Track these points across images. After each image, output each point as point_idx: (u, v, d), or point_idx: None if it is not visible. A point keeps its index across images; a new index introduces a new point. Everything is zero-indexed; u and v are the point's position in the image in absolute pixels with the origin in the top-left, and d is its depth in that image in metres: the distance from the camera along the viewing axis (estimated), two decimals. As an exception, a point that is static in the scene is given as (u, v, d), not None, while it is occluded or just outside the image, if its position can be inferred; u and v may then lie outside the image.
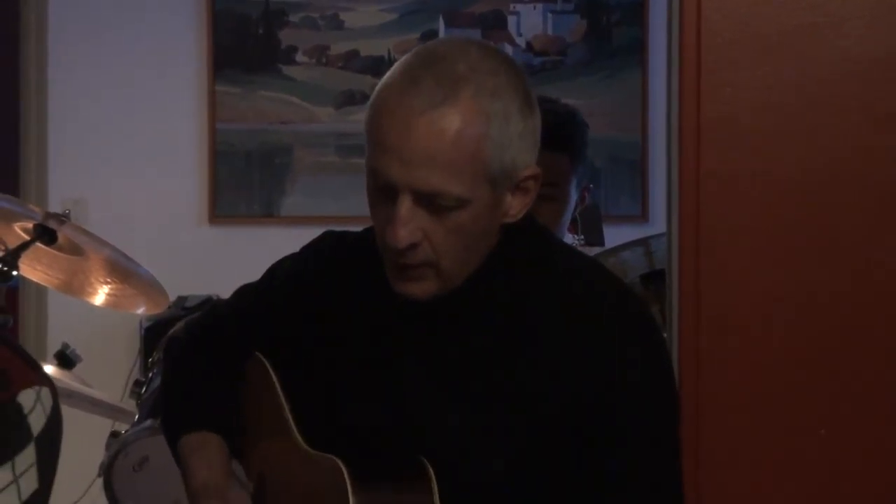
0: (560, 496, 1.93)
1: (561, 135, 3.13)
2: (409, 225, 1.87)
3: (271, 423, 2.11)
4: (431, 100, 1.84)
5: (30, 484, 2.07)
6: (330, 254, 2.13)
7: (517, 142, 1.89)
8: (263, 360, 2.15)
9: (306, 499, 2.03)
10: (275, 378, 2.12)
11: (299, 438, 2.06)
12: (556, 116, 3.00)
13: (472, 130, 1.85)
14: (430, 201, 1.86)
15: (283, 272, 2.18)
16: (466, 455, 1.93)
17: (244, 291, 2.24)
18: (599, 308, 1.97)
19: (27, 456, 2.06)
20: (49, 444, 2.11)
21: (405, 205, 1.86)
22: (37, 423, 2.09)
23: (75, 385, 3.82)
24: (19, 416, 2.06)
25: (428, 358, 1.98)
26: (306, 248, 2.17)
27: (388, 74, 1.91)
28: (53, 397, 2.10)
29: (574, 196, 3.32)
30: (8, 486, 2.04)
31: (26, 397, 2.08)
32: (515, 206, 1.94)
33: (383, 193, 1.90)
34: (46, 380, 2.10)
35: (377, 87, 1.92)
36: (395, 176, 1.86)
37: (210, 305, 2.37)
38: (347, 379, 2.03)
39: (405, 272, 1.92)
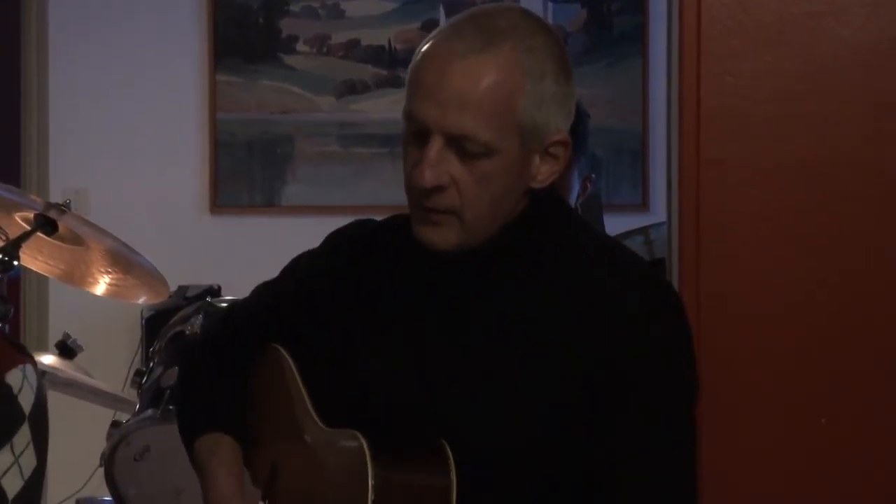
0: (577, 470, 1.93)
1: None
2: (437, 167, 1.90)
3: (287, 413, 2.11)
4: (471, 46, 1.89)
5: (29, 461, 2.08)
6: (353, 240, 2.15)
7: (550, 102, 1.94)
8: (281, 350, 2.14)
9: (322, 476, 2.03)
10: (294, 369, 2.12)
11: (317, 420, 2.06)
12: None
13: (507, 80, 1.90)
14: (459, 146, 1.90)
15: (305, 262, 2.19)
16: (488, 428, 1.93)
17: (262, 289, 2.25)
18: (625, 281, 1.98)
19: (23, 435, 2.07)
20: (40, 419, 2.12)
21: (436, 147, 1.90)
22: (27, 401, 2.10)
23: (76, 375, 3.83)
24: (10, 397, 2.07)
25: (451, 331, 1.99)
26: (331, 236, 2.19)
27: (433, 32, 1.97)
28: (37, 372, 2.11)
29: (576, 186, 3.33)
30: (9, 468, 2.04)
31: (14, 377, 2.09)
32: (544, 172, 1.97)
33: (416, 138, 1.93)
34: (28, 356, 2.11)
35: (421, 44, 1.97)
36: (429, 117, 1.90)
37: (227, 308, 2.37)
38: (367, 352, 2.04)
39: (428, 216, 1.94)
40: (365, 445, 1.92)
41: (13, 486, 2.06)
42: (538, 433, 1.93)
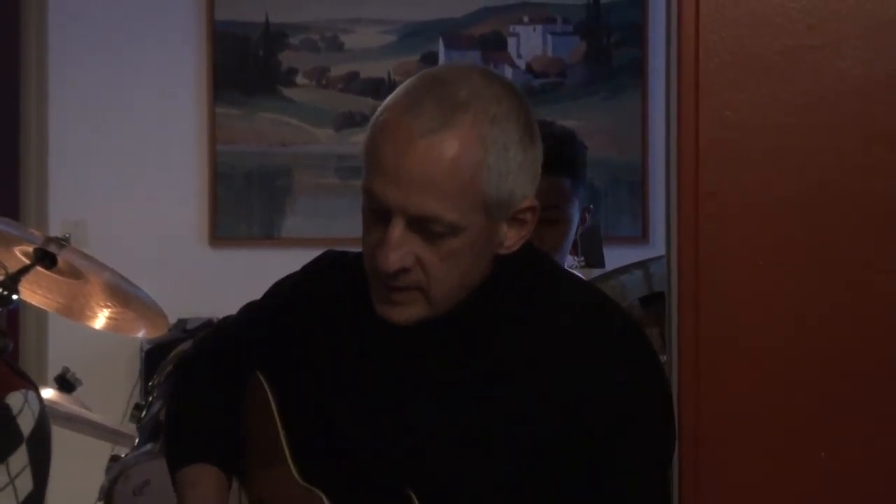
0: None
1: (561, 157, 3.15)
2: (400, 249, 1.86)
3: (268, 448, 2.11)
4: (431, 124, 1.83)
5: (25, 484, 2.08)
6: (328, 274, 2.14)
7: (515, 172, 1.88)
8: (263, 380, 2.15)
9: None
10: (272, 400, 2.12)
11: (291, 466, 2.06)
12: (555, 139, 3.00)
13: (469, 157, 1.84)
14: (423, 227, 1.86)
15: (284, 291, 2.19)
16: (458, 481, 1.93)
17: (249, 309, 2.25)
18: (592, 336, 1.96)
19: (20, 457, 2.08)
20: (40, 445, 2.13)
21: (398, 228, 1.86)
22: (26, 424, 2.11)
23: (75, 409, 3.83)
24: (8, 418, 2.09)
25: (422, 382, 1.98)
26: (306, 268, 2.18)
27: (390, 96, 1.91)
28: (40, 399, 2.12)
29: (576, 217, 3.33)
30: (5, 487, 2.05)
31: (14, 399, 2.11)
32: (511, 238, 1.94)
33: (377, 216, 1.89)
34: (31, 383, 2.12)
35: (379, 108, 1.91)
36: (390, 198, 1.85)
37: (217, 323, 2.37)
38: (342, 401, 2.03)
39: (391, 296, 1.91)
40: None
41: None
42: (507, 490, 1.91)
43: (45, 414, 2.14)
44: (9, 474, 2.07)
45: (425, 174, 1.83)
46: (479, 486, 1.92)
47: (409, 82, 1.91)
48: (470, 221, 1.86)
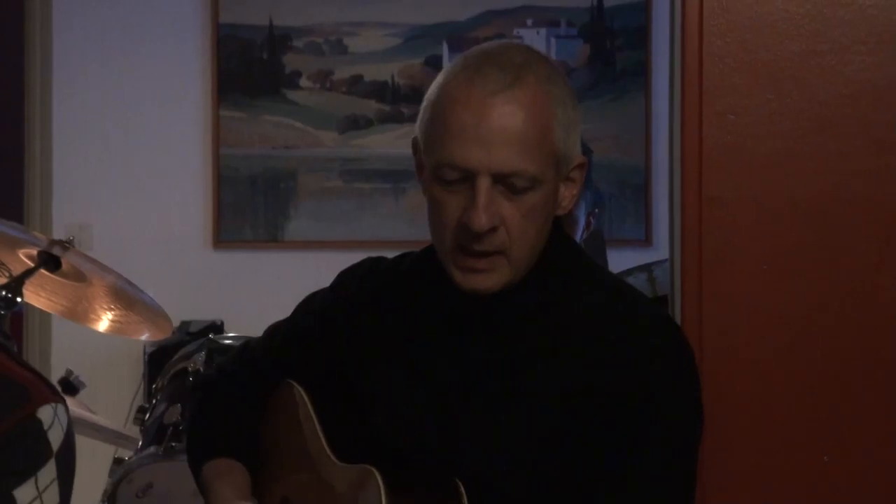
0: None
1: None
2: (489, 208, 1.90)
3: (301, 447, 2.12)
4: (501, 84, 1.90)
5: (52, 499, 2.09)
6: (366, 278, 2.16)
7: (574, 127, 1.97)
8: (296, 386, 2.15)
9: None
10: (309, 403, 2.13)
11: (331, 455, 2.06)
12: None
13: (541, 111, 1.92)
14: (506, 183, 1.90)
15: (318, 301, 2.20)
16: (504, 469, 1.94)
17: (275, 328, 2.26)
18: (635, 320, 2.00)
19: (48, 471, 2.09)
20: (67, 459, 2.14)
21: (484, 188, 1.90)
22: (56, 438, 2.12)
23: (79, 411, 3.83)
24: (40, 432, 2.10)
25: (463, 364, 2.00)
26: (343, 274, 2.20)
27: (442, 76, 1.97)
28: (67, 414, 2.13)
29: (583, 220, 3.35)
30: (33, 501, 2.06)
31: (45, 413, 2.12)
32: (567, 197, 2.00)
33: (452, 185, 1.92)
34: (60, 397, 2.13)
35: (431, 91, 1.97)
36: (474, 158, 1.89)
37: (241, 345, 2.39)
38: (381, 391, 2.05)
39: (476, 264, 1.94)
40: (381, 482, 1.92)
41: None
42: (553, 474, 1.94)
43: (72, 428, 2.15)
44: (37, 488, 2.07)
45: (506, 129, 1.89)
46: (522, 469, 1.94)
47: (456, 62, 1.98)
48: (546, 175, 1.92)
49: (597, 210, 3.51)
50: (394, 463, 1.98)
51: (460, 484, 1.93)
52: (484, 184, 1.90)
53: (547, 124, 1.92)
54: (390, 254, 2.19)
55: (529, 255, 1.96)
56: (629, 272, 3.77)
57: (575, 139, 1.97)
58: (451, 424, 1.99)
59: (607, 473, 1.93)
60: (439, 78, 1.97)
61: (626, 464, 1.93)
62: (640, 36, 5.45)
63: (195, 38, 5.50)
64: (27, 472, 2.06)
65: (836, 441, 2.44)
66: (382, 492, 1.91)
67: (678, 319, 2.46)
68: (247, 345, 2.34)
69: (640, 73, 5.44)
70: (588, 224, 3.41)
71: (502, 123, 1.89)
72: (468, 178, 1.91)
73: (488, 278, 1.95)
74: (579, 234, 3.40)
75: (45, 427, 2.11)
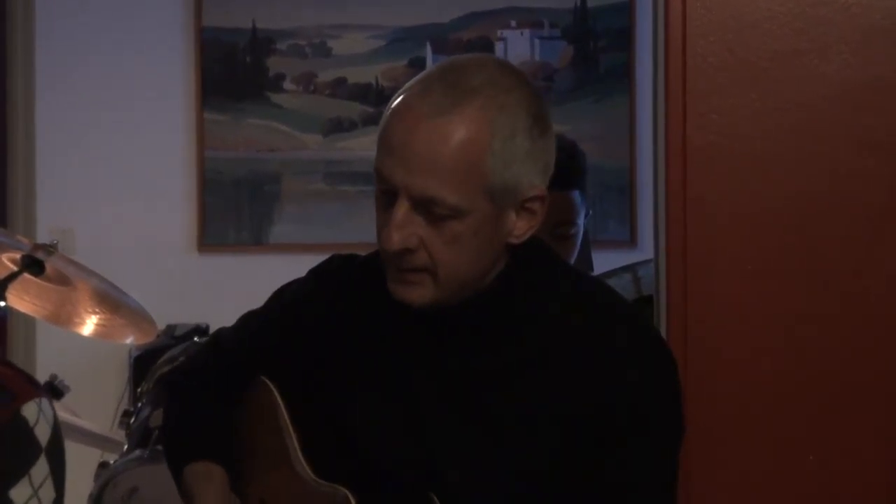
0: None
1: (570, 172, 3.19)
2: (403, 229, 1.88)
3: (275, 450, 2.11)
4: (439, 107, 1.86)
5: (48, 494, 2.10)
6: (337, 276, 2.14)
7: (522, 160, 1.90)
8: (270, 384, 2.14)
9: None
10: (282, 403, 2.12)
11: (305, 466, 2.06)
12: (564, 153, 3.03)
13: (474, 141, 1.86)
14: (426, 208, 1.87)
15: (289, 295, 2.19)
16: (479, 483, 1.93)
17: (248, 318, 2.24)
18: (607, 331, 1.97)
19: (41, 468, 2.09)
20: (57, 453, 2.14)
21: (402, 209, 1.87)
22: (43, 434, 2.12)
23: (64, 416, 3.82)
24: (27, 430, 2.10)
25: (437, 378, 1.98)
26: (313, 272, 2.18)
27: (409, 81, 1.94)
28: (52, 408, 2.13)
29: (582, 227, 3.36)
30: (30, 499, 2.06)
31: (29, 410, 2.12)
32: (520, 227, 1.94)
33: (385, 197, 1.91)
34: (43, 391, 2.13)
35: (397, 93, 1.94)
36: (396, 178, 1.87)
37: (213, 333, 2.37)
38: (355, 400, 2.04)
39: (403, 276, 1.93)
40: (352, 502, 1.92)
41: None
42: (530, 490, 1.92)
43: (58, 421, 2.16)
44: (32, 486, 2.08)
45: (429, 155, 1.85)
46: (497, 484, 1.93)
47: (426, 70, 1.95)
48: (473, 206, 1.87)
49: (590, 212, 3.53)
50: (367, 476, 1.97)
51: (435, 498, 1.92)
52: (402, 204, 1.88)
53: (478, 155, 1.86)
54: (375, 257, 2.18)
55: (462, 278, 1.92)
56: (614, 273, 3.77)
57: (528, 170, 1.91)
58: (425, 437, 1.98)
59: (587, 489, 1.92)
60: (403, 87, 1.94)
61: (608, 479, 1.92)
62: (624, 37, 5.45)
63: (178, 42, 5.49)
64: (19, 471, 2.06)
65: (821, 440, 2.44)
66: None
67: (663, 319, 2.47)
68: (218, 336, 2.32)
69: (624, 74, 5.44)
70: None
71: (427, 149, 1.85)
72: (393, 193, 1.89)
73: (414, 291, 1.93)
74: (580, 241, 3.40)
75: (32, 424, 2.11)
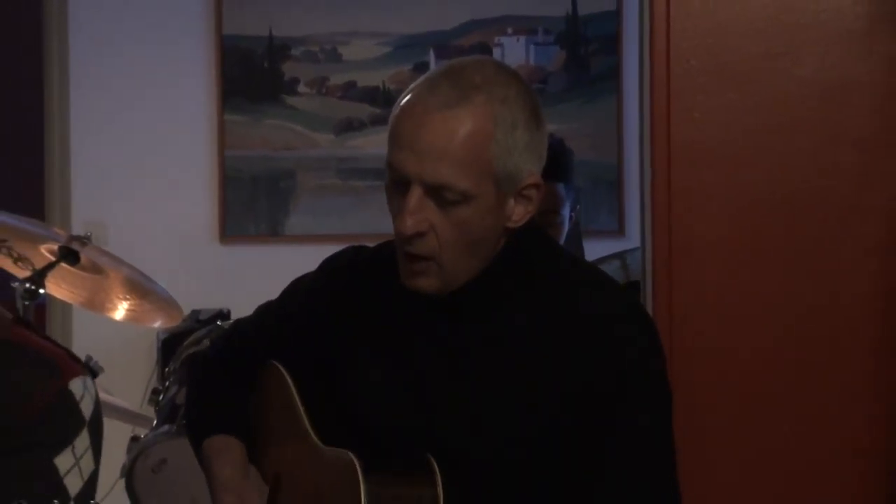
0: (558, 484, 1.93)
1: (556, 165, 3.19)
2: (417, 215, 1.90)
3: (288, 427, 2.12)
4: (447, 101, 1.88)
5: (88, 464, 2.11)
6: (349, 265, 2.15)
7: (522, 149, 1.92)
8: (281, 368, 2.15)
9: (320, 491, 2.04)
10: (292, 385, 2.13)
11: (314, 437, 2.06)
12: (552, 149, 3.06)
13: (480, 131, 1.88)
14: (438, 194, 1.89)
15: (304, 285, 2.19)
16: (475, 445, 1.94)
17: (265, 308, 2.25)
18: (602, 305, 1.98)
19: (83, 439, 2.11)
20: (97, 427, 2.16)
21: (415, 195, 1.89)
22: (87, 408, 2.14)
23: (99, 394, 3.83)
24: (73, 403, 2.11)
25: (438, 352, 1.99)
26: (327, 261, 2.19)
27: (413, 83, 1.96)
28: (94, 386, 2.15)
29: (568, 217, 3.37)
30: (72, 468, 2.08)
31: (76, 385, 2.14)
32: (518, 213, 1.96)
33: (398, 187, 1.92)
34: (88, 370, 2.15)
35: (402, 94, 1.96)
36: (409, 168, 1.89)
37: (233, 322, 2.38)
38: (363, 376, 2.04)
39: (411, 266, 1.94)
40: (357, 464, 1.92)
41: (74, 486, 2.10)
42: (522, 450, 1.93)
43: (99, 398, 2.18)
44: (74, 456, 2.10)
45: (440, 145, 1.87)
46: (492, 448, 1.93)
47: (430, 71, 1.98)
48: (480, 191, 1.90)
49: (578, 206, 3.53)
50: (372, 442, 1.98)
51: (433, 459, 1.93)
52: (415, 191, 1.89)
53: (483, 144, 1.89)
54: (383, 245, 2.18)
55: (464, 262, 1.94)
56: (604, 260, 3.78)
57: (527, 159, 1.93)
58: (425, 406, 1.98)
59: (580, 451, 1.92)
60: (409, 87, 1.96)
61: (599, 442, 1.91)
62: (612, 43, 5.44)
63: (201, 48, 5.49)
64: (65, 441, 2.09)
65: (795, 412, 2.45)
66: (360, 473, 1.91)
67: (649, 303, 2.47)
68: (238, 324, 2.33)
69: (613, 76, 5.44)
70: (571, 217, 3.44)
71: (437, 139, 1.88)
72: (406, 182, 1.91)
73: (423, 280, 1.94)
74: (566, 230, 3.42)
75: (77, 398, 2.14)
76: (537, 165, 1.96)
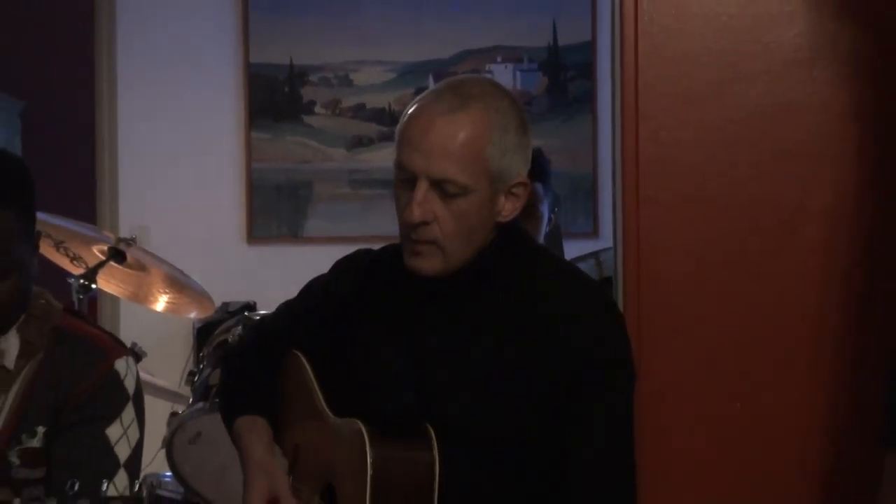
0: (540, 451, 1.94)
1: (534, 168, 3.20)
2: (423, 205, 1.92)
3: (305, 405, 2.12)
4: (450, 108, 1.91)
5: (134, 434, 2.14)
6: (357, 265, 2.16)
7: (513, 151, 1.95)
8: (300, 355, 2.15)
9: (332, 456, 2.04)
10: (309, 370, 2.13)
11: (328, 412, 2.07)
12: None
13: (478, 134, 1.91)
14: (441, 187, 1.91)
15: (319, 284, 2.20)
16: (467, 416, 1.95)
17: (286, 306, 2.26)
18: (570, 293, 1.99)
19: (129, 412, 2.14)
20: (140, 402, 2.19)
21: (422, 189, 1.91)
22: (130, 385, 2.15)
23: (143, 375, 3.82)
24: (118, 381, 2.13)
25: (435, 334, 2.00)
26: (338, 263, 2.20)
27: (421, 94, 1.99)
28: (136, 365, 2.17)
29: (546, 215, 3.38)
30: (120, 437, 2.09)
31: (120, 365, 2.15)
32: (507, 208, 1.98)
33: (406, 183, 1.94)
34: (131, 351, 2.18)
35: (408, 106, 1.98)
36: (416, 165, 1.91)
37: (259, 318, 2.38)
38: (370, 358, 2.05)
39: (416, 248, 1.95)
40: (364, 431, 1.94)
41: (123, 453, 2.13)
42: (505, 421, 1.93)
43: (139, 375, 2.20)
44: (122, 427, 2.12)
45: (444, 144, 1.90)
46: (483, 420, 1.94)
47: (434, 86, 2.01)
48: (477, 186, 1.92)
49: (556, 209, 3.53)
50: (377, 416, 1.98)
51: (430, 428, 1.94)
52: (422, 185, 1.91)
53: (482, 145, 1.91)
54: (390, 246, 2.18)
55: (462, 249, 1.95)
56: (580, 258, 3.77)
57: (516, 160, 1.96)
58: (424, 382, 1.99)
59: (560, 424, 1.92)
60: (416, 99, 1.99)
61: (571, 414, 1.92)
62: (588, 70, 5.44)
63: (231, 75, 5.48)
64: (114, 414, 2.11)
65: (746, 392, 2.45)
66: (366, 437, 1.93)
67: (620, 295, 2.47)
68: (263, 320, 2.34)
69: (588, 99, 5.44)
70: (551, 219, 3.43)
71: (442, 140, 1.90)
72: (413, 179, 1.92)
73: (425, 261, 1.95)
74: (545, 226, 3.41)
75: (122, 377, 2.15)
76: (524, 167, 1.98)
